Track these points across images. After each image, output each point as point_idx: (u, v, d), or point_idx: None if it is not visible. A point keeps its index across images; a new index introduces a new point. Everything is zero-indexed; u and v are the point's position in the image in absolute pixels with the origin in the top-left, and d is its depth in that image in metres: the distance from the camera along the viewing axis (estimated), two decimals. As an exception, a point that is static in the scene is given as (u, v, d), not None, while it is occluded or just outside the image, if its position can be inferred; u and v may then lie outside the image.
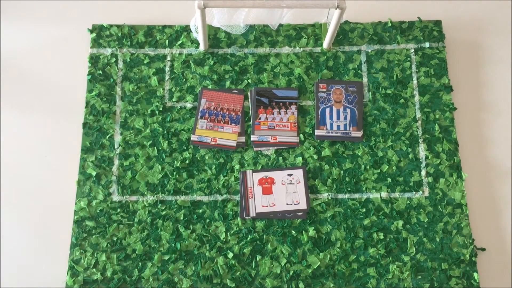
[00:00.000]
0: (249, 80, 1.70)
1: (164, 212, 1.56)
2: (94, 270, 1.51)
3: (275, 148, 1.63)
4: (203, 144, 1.63)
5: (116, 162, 1.61)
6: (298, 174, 1.60)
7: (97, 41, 1.74)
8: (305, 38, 1.75)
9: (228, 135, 1.64)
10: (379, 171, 1.61)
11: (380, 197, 1.59)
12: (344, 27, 1.77)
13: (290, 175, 1.60)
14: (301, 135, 1.65)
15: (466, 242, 1.54)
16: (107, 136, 1.64)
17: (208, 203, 1.57)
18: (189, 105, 1.68)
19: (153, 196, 1.58)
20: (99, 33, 1.75)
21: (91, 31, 1.75)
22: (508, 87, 1.74)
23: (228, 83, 1.70)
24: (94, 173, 1.59)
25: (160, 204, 1.57)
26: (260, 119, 1.66)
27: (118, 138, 1.64)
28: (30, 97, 1.70)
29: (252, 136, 1.64)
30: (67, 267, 1.52)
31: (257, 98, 1.68)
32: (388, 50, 1.75)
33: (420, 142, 1.64)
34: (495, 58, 1.77)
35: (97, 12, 1.80)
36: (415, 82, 1.71)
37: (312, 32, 1.77)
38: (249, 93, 1.69)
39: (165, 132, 1.64)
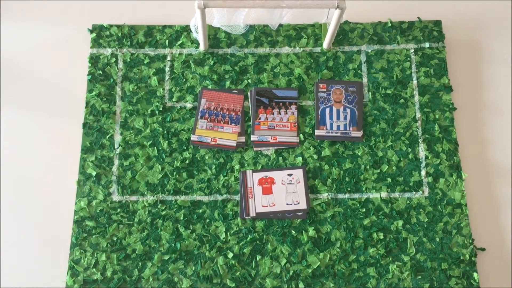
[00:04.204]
0: (249, 80, 1.71)
1: (164, 212, 1.56)
2: (94, 270, 1.51)
3: (275, 148, 1.63)
4: (203, 144, 1.63)
5: (116, 162, 1.61)
6: (298, 174, 1.60)
7: (97, 41, 1.74)
8: (305, 38, 1.75)
9: (228, 135, 1.64)
10: (379, 171, 1.61)
11: (380, 197, 1.59)
12: (344, 27, 1.77)
13: (290, 175, 1.60)
14: (301, 135, 1.65)
15: (466, 242, 1.54)
16: (107, 136, 1.64)
17: (208, 203, 1.57)
18: (189, 105, 1.68)
19: (153, 196, 1.58)
20: (99, 33, 1.75)
21: (91, 31, 1.75)
22: (508, 87, 1.74)
23: (228, 83, 1.70)
24: (94, 173, 1.59)
25: (160, 204, 1.57)
26: (260, 119, 1.66)
27: (118, 138, 1.64)
28: (30, 97, 1.70)
29: (252, 136, 1.64)
30: (67, 267, 1.52)
31: (257, 98, 1.68)
32: (388, 50, 1.75)
33: (420, 142, 1.64)
34: (495, 58, 1.77)
35: (97, 12, 1.80)
36: (415, 82, 1.71)
37: (312, 32, 1.77)
38: (249, 93, 1.69)
39: (165, 132, 1.64)
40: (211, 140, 1.63)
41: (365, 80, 1.71)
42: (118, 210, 1.56)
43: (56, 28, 1.78)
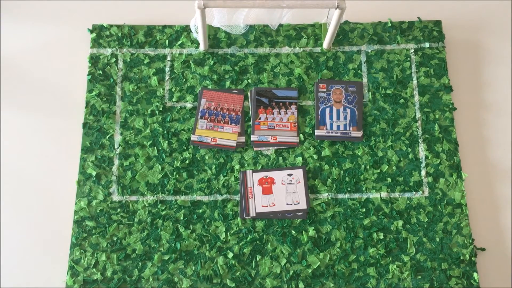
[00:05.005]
0: (249, 80, 1.71)
1: (164, 212, 1.56)
2: (94, 270, 1.51)
3: (275, 148, 1.63)
4: (203, 144, 1.63)
5: (116, 162, 1.61)
6: (298, 174, 1.60)
7: (97, 41, 1.74)
8: (305, 38, 1.75)
9: (228, 135, 1.64)
10: (379, 171, 1.61)
11: (380, 197, 1.59)
12: (344, 27, 1.77)
13: (290, 175, 1.60)
14: (301, 135, 1.65)
15: (466, 242, 1.54)
16: (107, 136, 1.64)
17: (208, 203, 1.57)
18: (189, 105, 1.68)
19: (153, 196, 1.58)
20: (99, 33, 1.75)
21: (91, 31, 1.75)
22: (508, 87, 1.74)
23: (228, 83, 1.70)
24: (94, 173, 1.59)
25: (160, 204, 1.57)
26: (260, 119, 1.66)
27: (118, 138, 1.64)
28: (30, 97, 1.70)
29: (252, 136, 1.64)
30: (67, 267, 1.52)
31: (257, 98, 1.68)
32: (388, 50, 1.75)
33: (420, 142, 1.64)
34: (495, 58, 1.77)
35: (97, 12, 1.80)
36: (415, 82, 1.71)
37: (312, 32, 1.77)
38: (249, 93, 1.69)
39: (165, 132, 1.64)
40: (211, 140, 1.63)
41: (365, 80, 1.71)
42: (118, 210, 1.56)
43: (56, 28, 1.78)
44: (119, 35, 1.75)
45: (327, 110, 1.67)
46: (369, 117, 1.67)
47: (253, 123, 1.65)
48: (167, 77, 1.71)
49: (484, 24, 1.81)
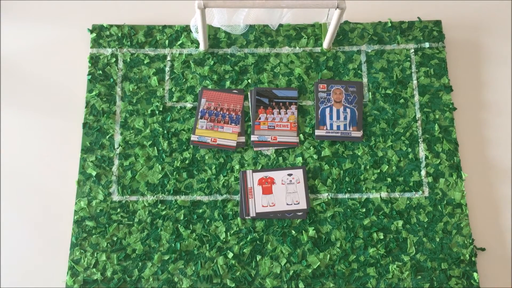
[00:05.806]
0: (249, 80, 1.71)
1: (164, 212, 1.56)
2: (94, 270, 1.51)
3: (275, 148, 1.63)
4: (203, 144, 1.63)
5: (116, 162, 1.61)
6: (298, 174, 1.60)
7: (97, 41, 1.74)
8: (305, 38, 1.75)
9: (228, 135, 1.64)
10: (379, 171, 1.61)
11: (380, 197, 1.59)
12: (344, 27, 1.77)
13: (290, 175, 1.60)
14: (301, 135, 1.65)
15: (466, 242, 1.54)
16: (107, 136, 1.64)
17: (208, 203, 1.57)
18: (189, 105, 1.68)
19: (153, 196, 1.58)
20: (99, 33, 1.75)
21: (91, 31, 1.75)
22: (508, 87, 1.74)
23: (228, 83, 1.70)
24: (94, 173, 1.59)
25: (160, 204, 1.57)
26: (260, 119, 1.66)
27: (118, 138, 1.64)
28: (30, 97, 1.70)
29: (252, 136, 1.64)
30: (67, 267, 1.52)
31: (257, 98, 1.68)
32: (388, 50, 1.75)
33: (420, 142, 1.64)
34: (495, 58, 1.77)
35: (97, 12, 1.80)
36: (415, 82, 1.71)
37: (312, 32, 1.77)
38: (249, 93, 1.69)
39: (165, 132, 1.64)
40: (211, 140, 1.63)
41: (365, 80, 1.71)
42: (118, 210, 1.56)
43: (56, 28, 1.78)
44: (119, 35, 1.75)
45: (327, 110, 1.67)
46: (369, 117, 1.67)
47: (253, 123, 1.65)
48: (167, 77, 1.71)
49: (484, 24, 1.81)
